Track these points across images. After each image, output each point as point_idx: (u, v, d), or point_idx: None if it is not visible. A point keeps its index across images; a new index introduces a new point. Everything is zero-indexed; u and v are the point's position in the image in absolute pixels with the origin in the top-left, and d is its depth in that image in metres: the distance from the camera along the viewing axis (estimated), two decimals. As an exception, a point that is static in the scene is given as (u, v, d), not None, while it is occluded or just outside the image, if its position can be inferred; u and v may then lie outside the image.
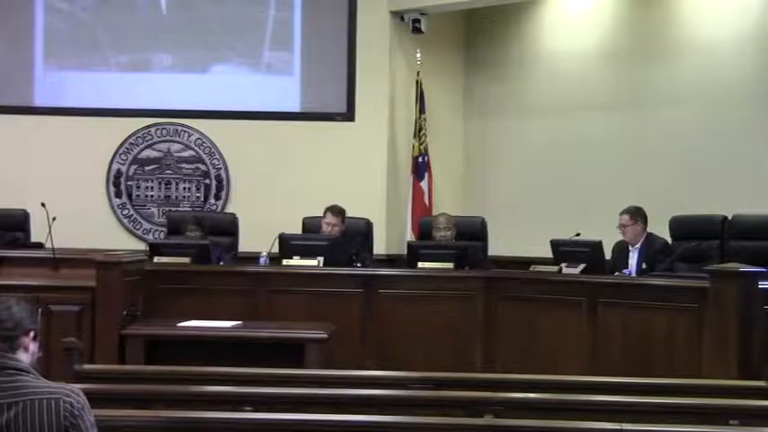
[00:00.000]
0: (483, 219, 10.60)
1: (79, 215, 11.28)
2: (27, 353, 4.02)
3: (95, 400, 4.20)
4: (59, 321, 7.89)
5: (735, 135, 10.59)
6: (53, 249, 9.34)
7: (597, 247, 9.12)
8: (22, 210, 10.67)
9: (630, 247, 9.32)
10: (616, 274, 9.10)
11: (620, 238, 9.38)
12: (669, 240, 9.40)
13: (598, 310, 8.45)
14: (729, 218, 9.34)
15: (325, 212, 10.20)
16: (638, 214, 9.29)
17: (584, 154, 11.61)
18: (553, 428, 4.70)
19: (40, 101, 12.45)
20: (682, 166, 10.81)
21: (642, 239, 9.28)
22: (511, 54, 12.41)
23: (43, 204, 10.11)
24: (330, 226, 10.11)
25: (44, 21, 12.45)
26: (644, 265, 9.14)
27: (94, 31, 12.46)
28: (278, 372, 6.21)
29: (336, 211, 10.21)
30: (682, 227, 9.49)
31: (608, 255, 9.35)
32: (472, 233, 10.35)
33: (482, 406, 5.22)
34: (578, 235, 9.40)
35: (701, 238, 9.21)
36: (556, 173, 11.81)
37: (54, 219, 9.90)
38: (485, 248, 10.37)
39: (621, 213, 9.32)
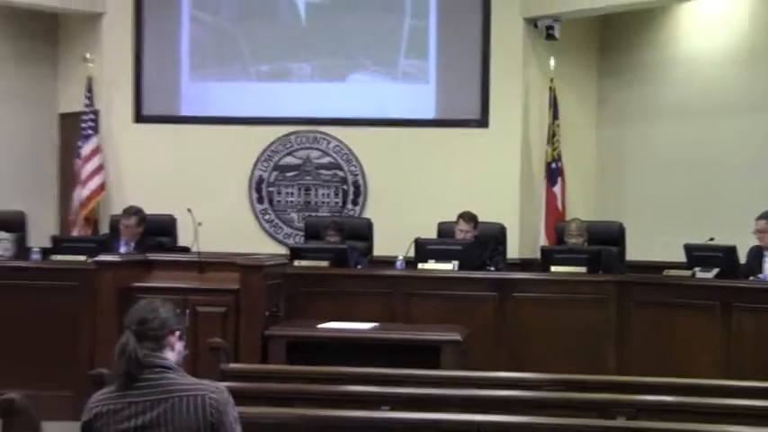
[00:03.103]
0: (621, 224, 10.51)
1: (223, 220, 11.44)
2: (173, 351, 4.12)
3: (239, 397, 4.28)
4: (206, 322, 8.03)
5: None
6: (199, 253, 9.52)
7: (731, 251, 9.01)
8: (170, 215, 10.80)
9: (765, 252, 9.19)
10: (751, 278, 8.99)
11: (755, 242, 9.26)
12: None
13: (733, 315, 8.37)
14: None
15: (457, 219, 10.26)
16: None
17: (720, 158, 11.43)
18: None
19: (186, 110, 12.70)
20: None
21: (778, 243, 9.20)
22: (646, 59, 12.29)
23: (189, 210, 10.33)
24: (463, 232, 10.16)
25: (189, 33, 12.70)
26: (779, 270, 9.06)
27: (237, 42, 12.67)
28: (415, 372, 6.27)
29: (468, 217, 10.26)
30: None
31: (742, 259, 9.22)
32: (609, 238, 10.27)
33: (615, 408, 5.23)
34: (712, 239, 9.28)
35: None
36: (690, 177, 11.65)
37: (200, 224, 10.08)
38: (622, 253, 10.31)
39: (758, 219, 9.16)
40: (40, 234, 11.07)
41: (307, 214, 12.25)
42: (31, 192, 12.64)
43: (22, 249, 10.26)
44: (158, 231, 10.59)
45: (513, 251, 11.25)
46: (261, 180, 12.57)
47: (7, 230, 10.31)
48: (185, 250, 10.26)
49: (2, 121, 12.76)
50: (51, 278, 9.29)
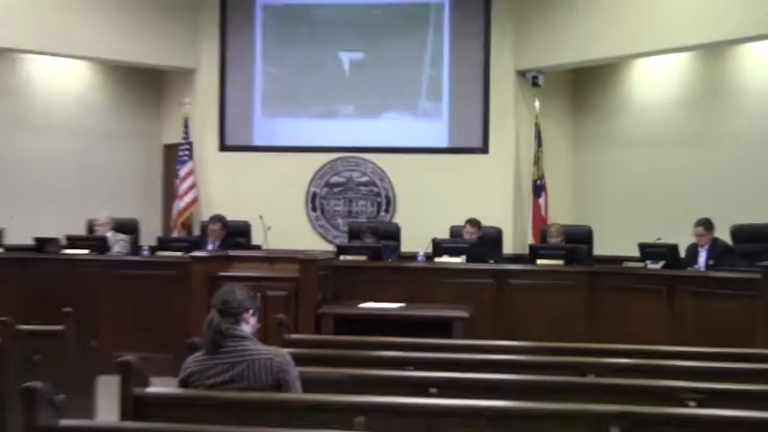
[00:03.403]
0: (590, 227, 10.56)
1: (286, 225, 11.38)
2: (248, 325, 4.20)
3: (298, 360, 4.33)
4: (273, 303, 8.01)
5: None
6: (268, 250, 9.54)
7: (674, 248, 9.00)
8: (246, 221, 10.84)
9: (700, 248, 9.19)
10: (689, 269, 8.97)
11: (693, 241, 9.25)
12: (730, 242, 9.26)
13: (675, 297, 8.38)
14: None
15: (465, 224, 10.29)
16: (709, 225, 9.19)
17: (664, 177, 11.38)
18: (640, 386, 4.64)
19: (258, 141, 12.69)
20: (738, 186, 10.55)
21: (710, 242, 9.17)
22: (608, 102, 12.26)
23: (261, 217, 10.33)
24: (469, 234, 10.19)
25: (261, 82, 12.73)
26: (710, 262, 9.02)
27: (296, 89, 12.67)
28: (433, 341, 6.25)
29: (474, 222, 10.29)
30: (742, 232, 9.31)
31: (682, 254, 9.19)
32: (581, 238, 10.29)
33: (586, 368, 5.21)
34: (659, 239, 9.27)
35: (757, 241, 9.05)
36: (642, 192, 11.61)
37: (269, 228, 10.11)
38: (590, 249, 10.32)
39: (696, 225, 9.19)
40: (149, 236, 11.15)
41: (349, 220, 12.23)
42: (142, 204, 12.72)
43: (135, 247, 10.38)
44: (237, 233, 10.64)
45: (508, 248, 11.25)
46: (315, 194, 12.58)
47: (124, 233, 10.40)
48: (257, 248, 10.30)
49: (119, 152, 12.89)
50: (157, 269, 9.39)
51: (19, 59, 12.07)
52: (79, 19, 11.73)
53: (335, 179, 12.58)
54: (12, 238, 10.17)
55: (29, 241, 9.97)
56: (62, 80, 12.58)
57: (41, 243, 9.85)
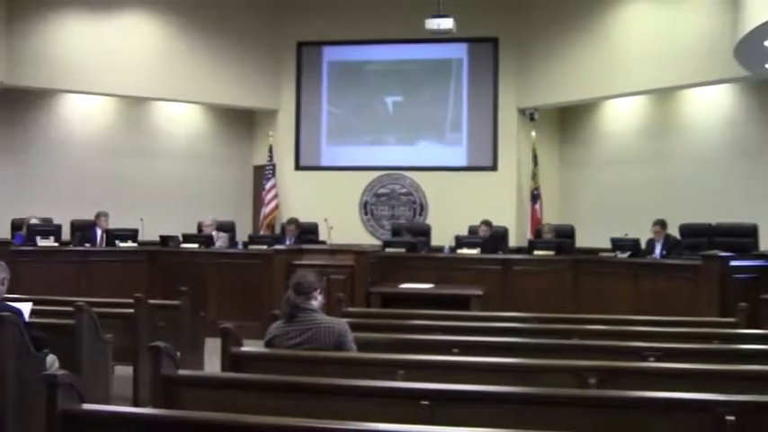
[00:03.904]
0: (573, 226, 10.55)
1: (345, 225, 11.40)
2: (316, 301, 4.18)
3: (354, 327, 4.33)
4: (334, 284, 8.02)
5: (716, 178, 10.22)
6: (331, 245, 9.56)
7: (637, 242, 8.96)
8: (315, 222, 10.84)
9: (656, 242, 9.07)
10: (648, 257, 8.87)
11: (650, 236, 9.14)
12: (679, 237, 9.17)
13: (638, 279, 8.33)
14: (713, 224, 9.07)
15: (480, 224, 10.24)
16: (663, 225, 9.08)
17: (629, 188, 11.30)
18: (612, 346, 4.61)
19: (324, 163, 12.68)
20: (684, 195, 10.47)
21: (663, 237, 9.06)
22: (586, 132, 12.18)
23: (326, 219, 10.37)
24: (483, 231, 10.14)
25: (326, 118, 12.75)
26: (664, 252, 8.91)
27: (352, 123, 12.69)
28: (455, 313, 6.28)
29: (486, 222, 10.24)
30: (688, 229, 9.21)
31: (643, 246, 9.09)
32: (566, 234, 10.25)
33: (571, 333, 5.19)
34: (626, 235, 9.20)
35: (699, 235, 8.97)
36: (613, 199, 11.51)
37: (331, 228, 10.15)
38: (574, 243, 10.25)
39: (654, 224, 9.09)
40: (242, 234, 11.22)
41: (392, 222, 12.23)
42: (238, 210, 12.79)
43: (232, 242, 10.42)
44: (308, 231, 10.64)
45: (512, 242, 11.17)
46: (366, 202, 12.58)
47: (225, 232, 10.47)
48: (323, 243, 10.33)
49: (221, 171, 12.99)
50: (248, 259, 9.42)
51: (152, 105, 12.48)
52: (193, 74, 12.00)
53: (382, 191, 12.56)
54: (144, 236, 10.30)
55: (156, 238, 10.11)
56: (181, 119, 12.79)
57: (165, 239, 9.97)
